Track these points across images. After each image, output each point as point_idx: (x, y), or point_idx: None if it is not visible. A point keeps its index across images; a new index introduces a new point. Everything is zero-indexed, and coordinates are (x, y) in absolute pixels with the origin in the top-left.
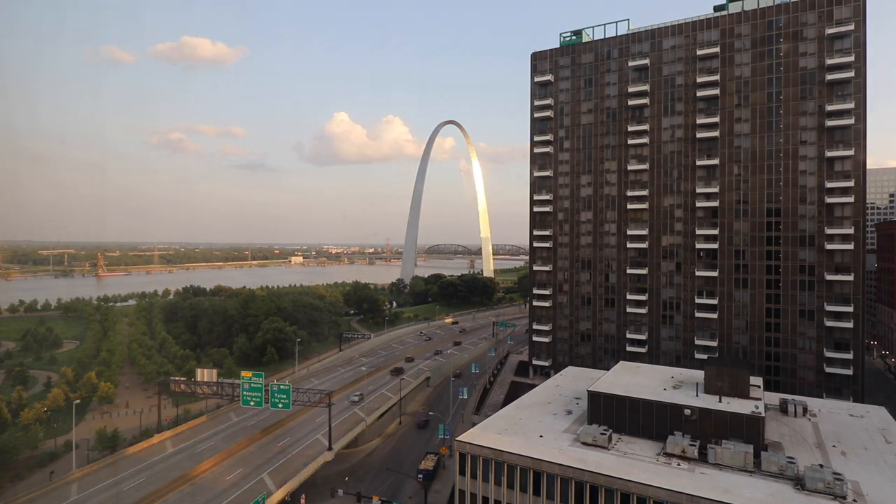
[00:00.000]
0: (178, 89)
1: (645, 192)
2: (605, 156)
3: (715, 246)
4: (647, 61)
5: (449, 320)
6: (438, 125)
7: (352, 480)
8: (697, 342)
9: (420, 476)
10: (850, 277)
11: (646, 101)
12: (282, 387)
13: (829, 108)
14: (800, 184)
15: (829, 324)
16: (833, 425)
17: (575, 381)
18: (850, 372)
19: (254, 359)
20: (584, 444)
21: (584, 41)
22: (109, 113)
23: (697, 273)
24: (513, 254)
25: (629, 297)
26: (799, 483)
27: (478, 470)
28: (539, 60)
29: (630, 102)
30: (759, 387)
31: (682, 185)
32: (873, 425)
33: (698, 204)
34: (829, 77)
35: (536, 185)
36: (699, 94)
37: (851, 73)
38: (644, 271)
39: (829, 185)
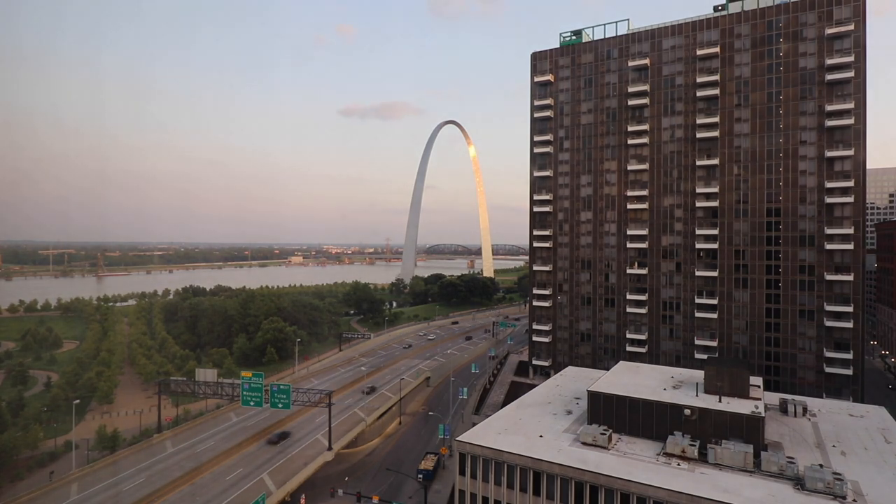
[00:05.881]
0: None
1: (645, 192)
2: (605, 156)
3: (715, 246)
4: (646, 61)
5: (450, 321)
6: (438, 125)
7: (352, 480)
8: (697, 342)
9: (420, 476)
10: (850, 277)
11: (646, 101)
12: (281, 387)
13: (829, 108)
14: (800, 184)
15: (829, 324)
16: (833, 425)
17: (575, 381)
18: (850, 372)
19: (254, 359)
20: (584, 444)
21: (584, 41)
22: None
23: (697, 273)
24: (513, 254)
25: (629, 297)
26: (799, 483)
27: (478, 470)
28: (539, 60)
29: (630, 102)
30: (759, 387)
31: (682, 185)
32: (873, 425)
33: (698, 204)
34: (829, 77)
35: (536, 185)
36: (699, 94)
37: (851, 73)
38: (644, 271)
39: (829, 185)
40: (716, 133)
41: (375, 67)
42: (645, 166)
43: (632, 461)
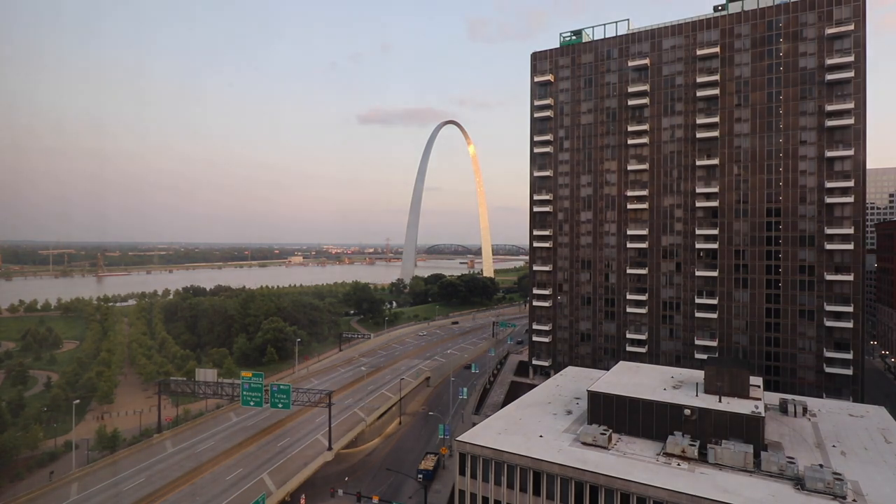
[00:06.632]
0: None
1: (645, 192)
2: (605, 156)
3: (715, 246)
4: (646, 61)
5: (450, 321)
6: (438, 125)
7: (352, 480)
8: (697, 342)
9: (420, 476)
10: (850, 277)
11: (646, 101)
12: (281, 387)
13: (829, 108)
14: (800, 184)
15: (829, 324)
16: (833, 425)
17: (575, 381)
18: (849, 372)
19: (254, 359)
20: (584, 444)
21: (583, 41)
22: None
23: (697, 273)
24: (513, 254)
25: (629, 297)
26: (799, 483)
27: (478, 470)
28: (539, 60)
29: (630, 102)
30: (759, 387)
31: (682, 185)
32: (873, 425)
33: (698, 204)
34: (829, 77)
35: (536, 185)
36: (699, 94)
37: (851, 73)
38: (644, 271)
39: (829, 185)
40: (716, 133)
41: (407, 81)
42: (645, 166)
43: (632, 461)
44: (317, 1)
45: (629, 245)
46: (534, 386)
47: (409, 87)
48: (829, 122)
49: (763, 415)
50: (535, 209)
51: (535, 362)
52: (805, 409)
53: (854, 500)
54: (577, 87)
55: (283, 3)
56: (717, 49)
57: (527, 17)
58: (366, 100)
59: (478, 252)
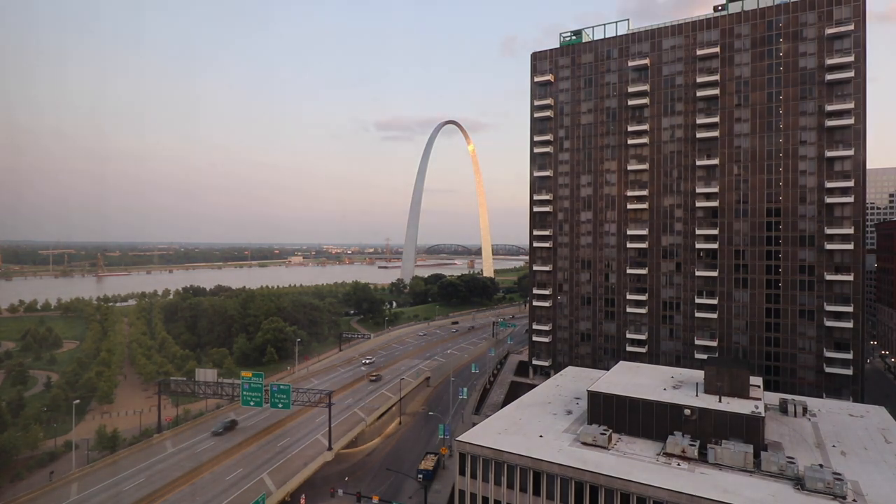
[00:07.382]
0: None
1: (645, 192)
2: (605, 156)
3: (715, 246)
4: (646, 61)
5: (450, 321)
6: (438, 125)
7: (352, 480)
8: (697, 342)
9: (420, 476)
10: (850, 277)
11: (646, 101)
12: (281, 387)
13: (829, 108)
14: (800, 184)
15: (829, 324)
16: (833, 425)
17: (575, 381)
18: (849, 372)
19: (254, 359)
20: (584, 444)
21: (584, 41)
22: None
23: (697, 273)
24: (513, 254)
25: (629, 297)
26: (799, 483)
27: (478, 470)
28: (539, 60)
29: (630, 102)
30: (759, 387)
31: (682, 185)
32: (873, 425)
33: (698, 204)
34: (829, 77)
35: (536, 185)
36: (699, 94)
37: (851, 73)
38: (644, 271)
39: (828, 185)
40: (716, 133)
41: (433, 92)
42: (645, 166)
43: (632, 461)
44: (350, 19)
45: (629, 245)
46: (534, 386)
47: (433, 98)
48: (829, 122)
49: (763, 415)
50: (535, 209)
51: (535, 362)
52: (805, 409)
53: (854, 500)
54: (577, 87)
55: (306, 18)
56: (717, 49)
57: (554, 32)
58: (388, 109)
59: (478, 252)
